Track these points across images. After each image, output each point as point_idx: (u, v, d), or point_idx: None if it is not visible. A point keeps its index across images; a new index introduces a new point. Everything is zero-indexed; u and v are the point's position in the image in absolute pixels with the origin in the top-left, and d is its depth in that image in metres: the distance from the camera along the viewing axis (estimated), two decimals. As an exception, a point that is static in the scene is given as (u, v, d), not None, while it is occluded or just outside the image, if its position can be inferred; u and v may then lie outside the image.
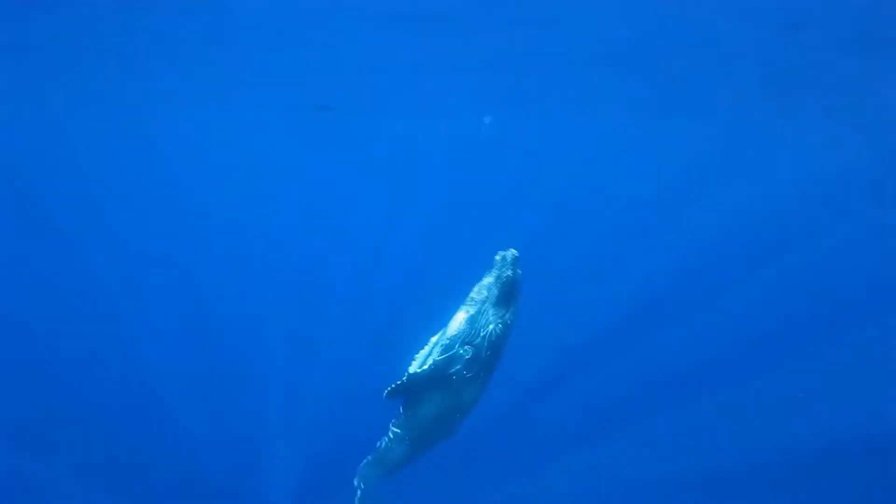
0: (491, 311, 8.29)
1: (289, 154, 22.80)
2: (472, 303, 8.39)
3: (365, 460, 8.98)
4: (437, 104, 21.16)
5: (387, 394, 8.26)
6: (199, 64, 17.94)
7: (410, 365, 8.62)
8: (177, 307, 12.76)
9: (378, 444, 8.89)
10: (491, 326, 8.26)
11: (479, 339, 8.27)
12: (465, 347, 8.27)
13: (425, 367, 8.27)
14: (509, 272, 8.36)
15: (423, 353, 8.66)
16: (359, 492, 8.90)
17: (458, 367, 8.25)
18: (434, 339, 8.74)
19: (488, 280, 8.45)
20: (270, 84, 19.70)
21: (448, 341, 8.33)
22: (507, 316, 8.33)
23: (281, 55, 17.16)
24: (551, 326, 11.77)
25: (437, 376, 8.25)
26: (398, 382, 8.21)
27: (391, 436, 8.76)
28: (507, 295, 8.33)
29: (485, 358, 8.35)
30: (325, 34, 15.67)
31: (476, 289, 8.53)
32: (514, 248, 8.50)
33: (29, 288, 13.79)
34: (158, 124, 22.56)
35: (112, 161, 20.90)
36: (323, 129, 22.50)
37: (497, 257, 8.53)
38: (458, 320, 8.39)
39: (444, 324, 8.66)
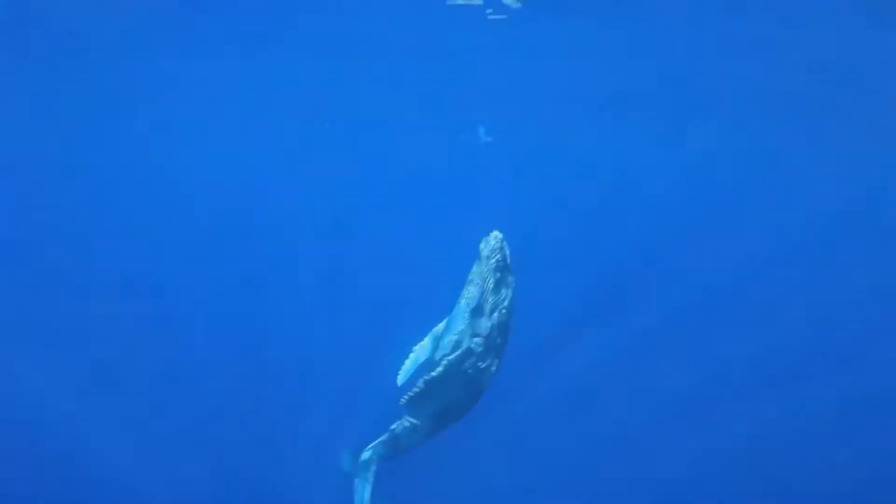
0: (491, 299, 8.19)
1: (294, 158, 23.19)
2: (471, 294, 8.27)
3: (377, 440, 8.86)
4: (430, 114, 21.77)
5: (406, 402, 8.16)
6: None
7: (408, 358, 8.56)
8: (187, 305, 13.15)
9: (392, 427, 8.77)
10: (495, 314, 8.17)
11: (486, 329, 8.17)
12: (475, 340, 8.18)
13: (440, 368, 8.10)
14: (498, 255, 8.26)
15: (424, 344, 8.63)
16: (372, 467, 8.77)
17: (472, 359, 8.16)
18: (437, 329, 8.66)
19: (480, 268, 8.34)
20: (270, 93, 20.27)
21: (457, 337, 8.21)
22: (507, 298, 8.26)
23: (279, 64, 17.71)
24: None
25: (452, 374, 8.12)
26: (416, 391, 8.11)
27: (406, 424, 8.62)
28: (502, 278, 8.24)
29: (496, 345, 8.28)
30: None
31: (470, 279, 8.42)
32: (497, 231, 8.42)
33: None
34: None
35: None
36: (320, 137, 22.97)
37: (482, 244, 8.42)
38: (462, 314, 8.28)
39: (442, 316, 8.63)
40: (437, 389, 8.13)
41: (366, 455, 8.83)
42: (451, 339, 8.26)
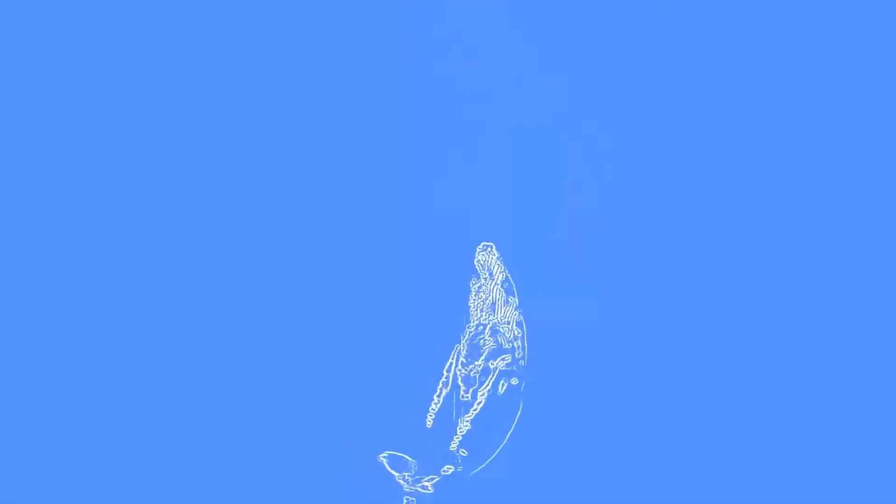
0: (499, 316, 8.36)
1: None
2: (477, 318, 8.54)
3: (428, 482, 8.88)
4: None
5: (465, 455, 8.32)
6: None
7: (429, 414, 8.65)
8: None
9: (443, 471, 8.63)
10: (511, 334, 8.33)
11: (510, 353, 8.27)
12: (498, 365, 8.27)
13: (475, 412, 8.06)
14: (500, 272, 8.37)
15: (439, 391, 8.77)
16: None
17: (502, 388, 8.08)
18: (451, 365, 8.74)
19: (481, 287, 8.50)
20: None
21: (478, 369, 8.30)
22: (517, 313, 8.35)
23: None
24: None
25: (489, 415, 8.12)
26: (462, 459, 8.20)
27: (459, 470, 8.57)
28: (506, 293, 8.37)
29: (519, 365, 8.22)
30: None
31: (473, 304, 8.57)
32: (486, 242, 8.39)
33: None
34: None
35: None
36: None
37: (476, 262, 8.47)
38: (474, 342, 8.39)
39: (449, 349, 8.80)
40: (481, 436, 8.17)
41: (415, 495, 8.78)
42: (472, 375, 8.26)
